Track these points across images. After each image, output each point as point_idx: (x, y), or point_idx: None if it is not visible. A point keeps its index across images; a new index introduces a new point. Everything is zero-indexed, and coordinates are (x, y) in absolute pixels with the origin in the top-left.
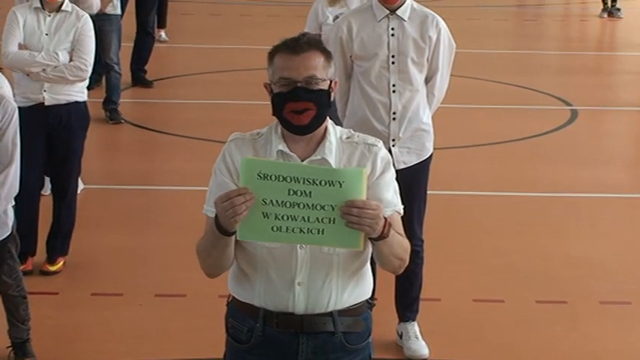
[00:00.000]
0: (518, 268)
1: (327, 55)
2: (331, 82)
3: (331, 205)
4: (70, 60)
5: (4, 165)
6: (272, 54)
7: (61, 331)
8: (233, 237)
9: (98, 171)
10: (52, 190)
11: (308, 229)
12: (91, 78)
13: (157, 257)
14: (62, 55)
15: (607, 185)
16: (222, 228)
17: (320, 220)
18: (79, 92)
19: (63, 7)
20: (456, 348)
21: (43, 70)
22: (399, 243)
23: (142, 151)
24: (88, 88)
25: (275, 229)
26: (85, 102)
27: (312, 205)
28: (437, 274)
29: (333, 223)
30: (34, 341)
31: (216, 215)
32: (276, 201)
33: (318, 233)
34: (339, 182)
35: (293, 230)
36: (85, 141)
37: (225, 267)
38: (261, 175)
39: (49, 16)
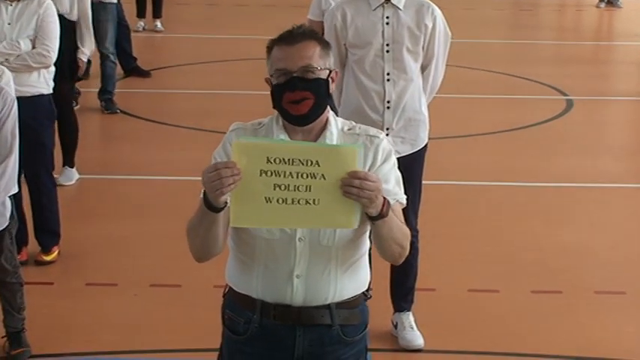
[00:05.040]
0: (514, 258)
1: (324, 45)
2: (331, 71)
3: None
4: (33, 47)
5: (3, 156)
6: (269, 47)
7: (55, 321)
8: (220, 215)
9: (93, 161)
10: (29, 187)
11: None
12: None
13: (152, 247)
14: (24, 43)
15: (602, 175)
16: (208, 202)
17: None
18: (44, 84)
19: None
20: (450, 338)
21: (6, 59)
22: (399, 227)
23: (137, 141)
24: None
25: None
26: (49, 95)
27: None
28: (432, 264)
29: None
30: (28, 331)
31: (204, 190)
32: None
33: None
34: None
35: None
36: (53, 133)
37: (213, 251)
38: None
39: (11, 5)
